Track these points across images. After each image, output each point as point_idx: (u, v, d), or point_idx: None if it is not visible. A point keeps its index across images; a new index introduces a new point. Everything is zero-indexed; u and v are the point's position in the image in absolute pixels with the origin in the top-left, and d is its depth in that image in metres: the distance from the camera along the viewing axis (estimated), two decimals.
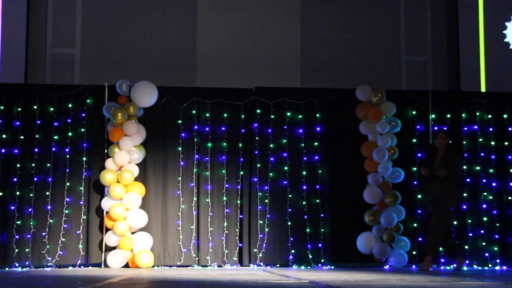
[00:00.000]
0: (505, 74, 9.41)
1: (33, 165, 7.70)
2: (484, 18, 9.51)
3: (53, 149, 7.76)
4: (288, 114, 8.10)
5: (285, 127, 8.06)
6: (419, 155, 8.19)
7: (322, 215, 7.99)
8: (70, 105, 7.86)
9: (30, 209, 7.63)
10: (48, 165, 7.72)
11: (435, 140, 7.39)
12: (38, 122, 7.80)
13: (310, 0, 9.58)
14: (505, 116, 8.34)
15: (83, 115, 7.85)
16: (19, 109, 7.81)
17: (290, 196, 7.97)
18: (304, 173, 8.01)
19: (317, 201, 7.99)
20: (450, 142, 7.40)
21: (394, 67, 9.57)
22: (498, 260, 8.02)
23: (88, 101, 7.89)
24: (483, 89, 9.32)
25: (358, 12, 9.62)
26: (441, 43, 9.70)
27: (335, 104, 8.22)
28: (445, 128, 7.80)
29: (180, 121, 7.97)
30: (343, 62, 9.48)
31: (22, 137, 7.75)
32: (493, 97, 8.45)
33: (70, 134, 7.80)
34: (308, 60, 9.43)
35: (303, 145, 8.05)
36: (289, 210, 7.94)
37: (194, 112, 8.01)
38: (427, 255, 7.20)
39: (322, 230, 7.95)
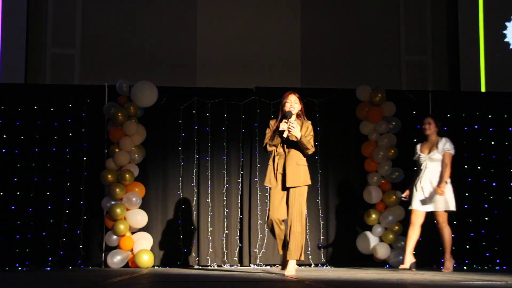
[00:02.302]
0: (505, 74, 9.40)
1: (33, 165, 7.70)
2: (484, 18, 9.50)
3: (53, 149, 7.76)
4: None
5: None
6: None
7: (322, 215, 8.00)
8: (70, 105, 7.86)
9: (30, 209, 7.63)
10: (48, 165, 7.72)
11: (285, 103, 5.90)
12: (38, 122, 7.81)
13: (310, 0, 9.57)
14: (505, 116, 8.34)
15: (83, 115, 7.85)
16: (19, 109, 7.82)
17: None
18: None
19: (317, 201, 7.99)
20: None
21: (394, 67, 9.56)
22: (498, 260, 8.02)
23: (88, 101, 7.89)
24: (483, 89, 9.32)
25: (358, 12, 9.61)
26: (441, 43, 9.69)
27: (335, 104, 8.22)
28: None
29: (180, 121, 7.97)
30: (343, 62, 9.47)
31: (22, 137, 7.75)
32: (493, 97, 8.46)
33: (70, 134, 7.80)
34: (308, 60, 9.42)
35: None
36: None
37: (194, 112, 8.01)
38: (299, 258, 5.79)
39: (322, 230, 7.95)
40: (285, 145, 5.80)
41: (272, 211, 5.74)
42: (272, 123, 5.92)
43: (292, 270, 5.71)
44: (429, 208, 6.81)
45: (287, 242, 5.73)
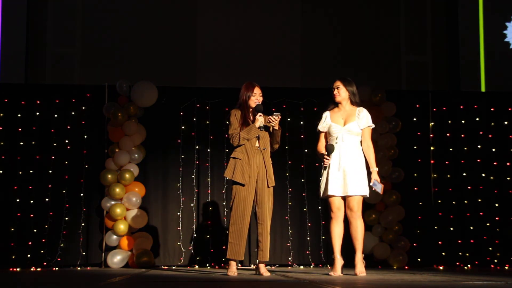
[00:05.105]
0: (505, 74, 9.40)
1: (33, 164, 7.70)
2: (484, 18, 9.50)
3: (53, 148, 7.75)
4: (288, 114, 8.09)
5: (285, 127, 8.06)
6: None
7: (322, 214, 7.99)
8: (70, 105, 7.86)
9: (30, 209, 7.63)
10: (48, 165, 7.72)
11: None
12: (38, 122, 7.80)
13: (311, 0, 9.57)
14: (505, 116, 8.34)
15: (83, 115, 7.85)
16: (19, 109, 7.81)
17: (290, 196, 7.97)
18: (304, 173, 8.01)
19: (317, 201, 7.99)
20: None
21: (394, 67, 9.56)
22: (497, 260, 8.02)
23: (88, 101, 7.89)
24: (483, 89, 9.32)
25: (358, 12, 9.61)
26: (441, 43, 9.69)
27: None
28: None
29: (180, 121, 7.97)
30: (343, 61, 9.47)
31: (21, 137, 7.75)
32: (493, 97, 8.46)
33: (70, 134, 7.80)
34: (308, 59, 9.42)
35: (303, 144, 8.05)
36: (289, 210, 7.94)
37: (194, 112, 8.01)
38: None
39: (322, 230, 7.95)
40: (259, 141, 5.61)
41: (246, 214, 5.53)
42: (238, 114, 5.66)
43: (267, 271, 5.67)
44: (348, 192, 5.59)
45: (257, 243, 5.69)
